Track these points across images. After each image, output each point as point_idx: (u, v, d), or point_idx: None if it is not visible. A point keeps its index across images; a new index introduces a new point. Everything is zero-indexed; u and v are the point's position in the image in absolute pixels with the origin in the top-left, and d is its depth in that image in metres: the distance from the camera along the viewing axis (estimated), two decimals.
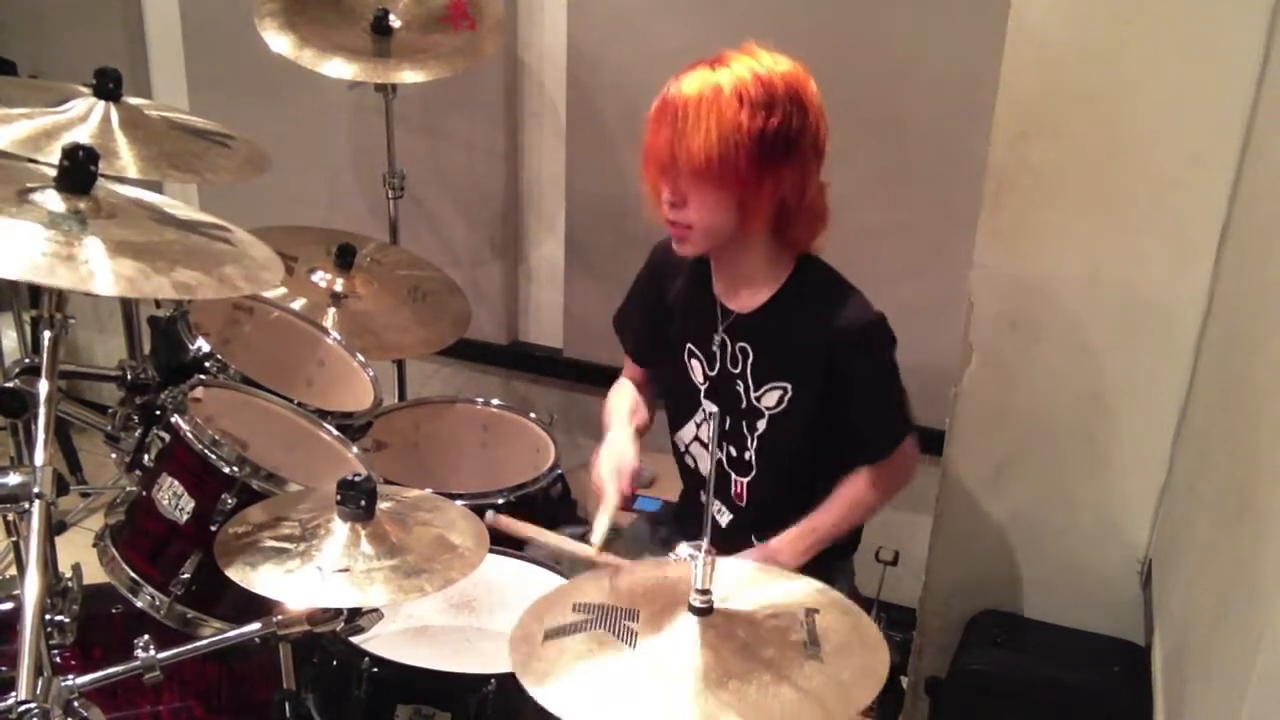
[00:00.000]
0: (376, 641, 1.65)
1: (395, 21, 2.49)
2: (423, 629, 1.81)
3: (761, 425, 1.81)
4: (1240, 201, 1.70)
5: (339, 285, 2.36)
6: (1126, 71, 1.74)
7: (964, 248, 1.91)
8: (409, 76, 2.41)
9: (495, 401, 2.43)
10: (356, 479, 1.45)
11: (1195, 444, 1.76)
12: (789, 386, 1.78)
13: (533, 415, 2.37)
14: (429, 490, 1.67)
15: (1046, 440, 1.96)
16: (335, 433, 1.89)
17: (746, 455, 1.84)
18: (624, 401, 1.99)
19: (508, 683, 1.25)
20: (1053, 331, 1.90)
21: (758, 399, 1.80)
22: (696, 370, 1.87)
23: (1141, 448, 1.90)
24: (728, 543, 1.78)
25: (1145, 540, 1.95)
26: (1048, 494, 1.99)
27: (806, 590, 1.31)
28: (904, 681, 2.20)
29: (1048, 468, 1.97)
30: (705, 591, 1.21)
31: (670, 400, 1.98)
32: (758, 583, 1.32)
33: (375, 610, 1.53)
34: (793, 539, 1.79)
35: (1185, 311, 1.81)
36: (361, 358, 2.15)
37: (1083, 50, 1.75)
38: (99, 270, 1.26)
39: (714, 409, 1.85)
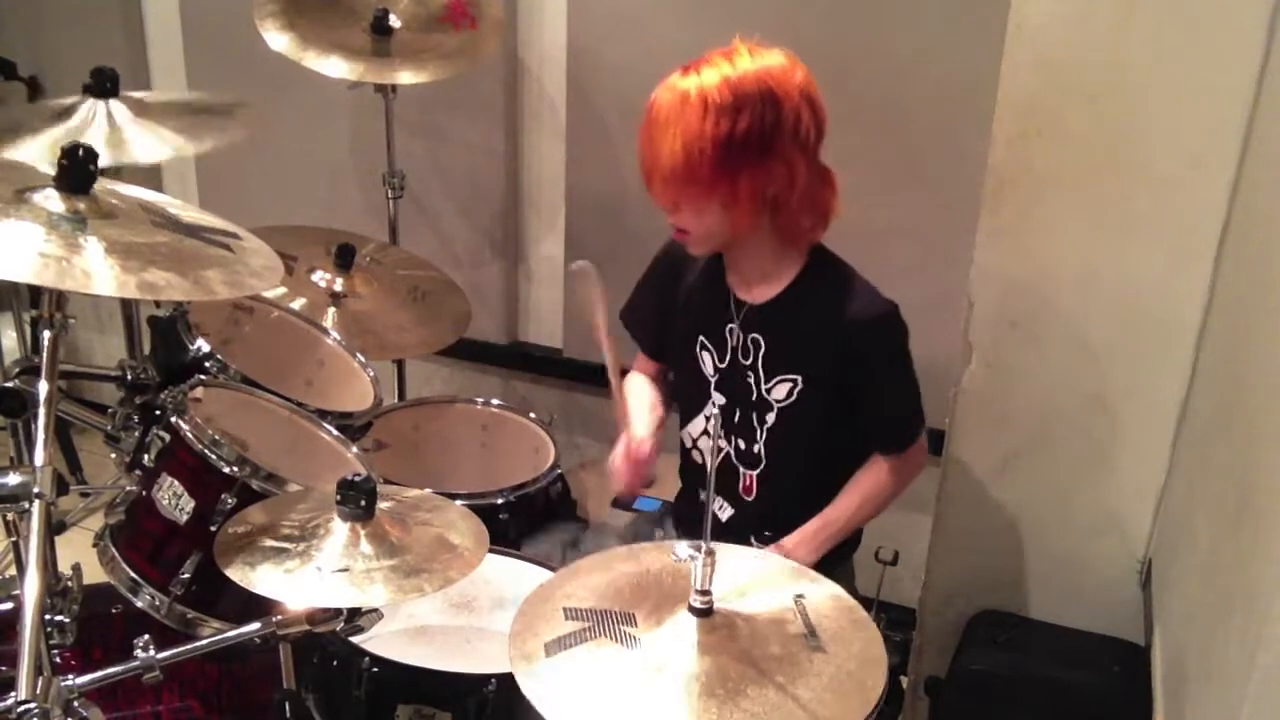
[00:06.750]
0: (376, 641, 1.66)
1: (395, 21, 2.49)
2: (423, 629, 1.81)
3: (770, 418, 1.82)
4: (1240, 201, 1.70)
5: (339, 285, 2.36)
6: (1127, 72, 1.73)
7: (964, 248, 1.91)
8: (409, 77, 2.41)
9: (495, 401, 2.43)
10: (356, 479, 1.45)
11: (1195, 444, 1.75)
12: (799, 379, 1.79)
13: (532, 415, 2.37)
14: (429, 490, 1.67)
15: (1046, 440, 1.96)
16: (335, 433, 1.89)
17: (755, 448, 1.85)
18: (643, 395, 1.97)
19: (508, 683, 1.25)
20: (1053, 331, 1.89)
21: (767, 391, 1.81)
22: (707, 362, 1.88)
23: (1141, 448, 1.90)
24: (727, 539, 1.77)
25: (1145, 540, 1.95)
26: (1048, 493, 1.99)
27: (783, 574, 1.32)
28: (904, 681, 2.20)
29: (1048, 467, 1.97)
30: (705, 592, 1.21)
31: (680, 395, 1.98)
32: (737, 573, 1.32)
33: (375, 610, 1.53)
34: (807, 535, 1.80)
35: (1185, 311, 1.80)
36: (361, 358, 2.15)
37: (1083, 50, 1.75)
38: (93, 270, 1.26)
39: (722, 400, 1.86)
